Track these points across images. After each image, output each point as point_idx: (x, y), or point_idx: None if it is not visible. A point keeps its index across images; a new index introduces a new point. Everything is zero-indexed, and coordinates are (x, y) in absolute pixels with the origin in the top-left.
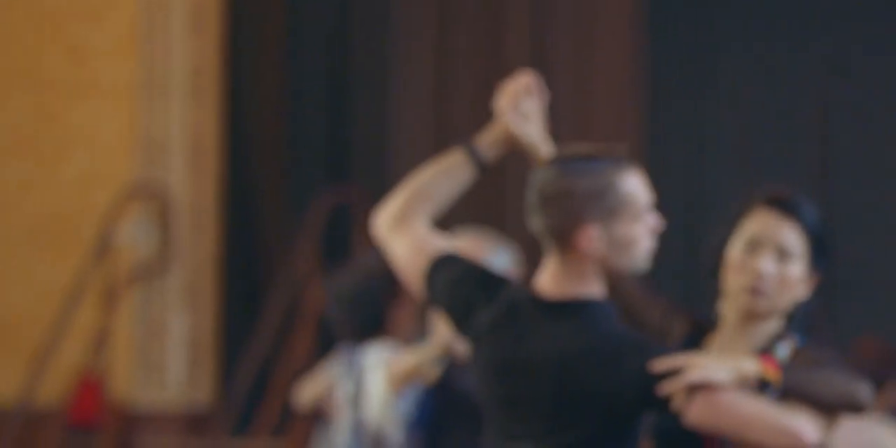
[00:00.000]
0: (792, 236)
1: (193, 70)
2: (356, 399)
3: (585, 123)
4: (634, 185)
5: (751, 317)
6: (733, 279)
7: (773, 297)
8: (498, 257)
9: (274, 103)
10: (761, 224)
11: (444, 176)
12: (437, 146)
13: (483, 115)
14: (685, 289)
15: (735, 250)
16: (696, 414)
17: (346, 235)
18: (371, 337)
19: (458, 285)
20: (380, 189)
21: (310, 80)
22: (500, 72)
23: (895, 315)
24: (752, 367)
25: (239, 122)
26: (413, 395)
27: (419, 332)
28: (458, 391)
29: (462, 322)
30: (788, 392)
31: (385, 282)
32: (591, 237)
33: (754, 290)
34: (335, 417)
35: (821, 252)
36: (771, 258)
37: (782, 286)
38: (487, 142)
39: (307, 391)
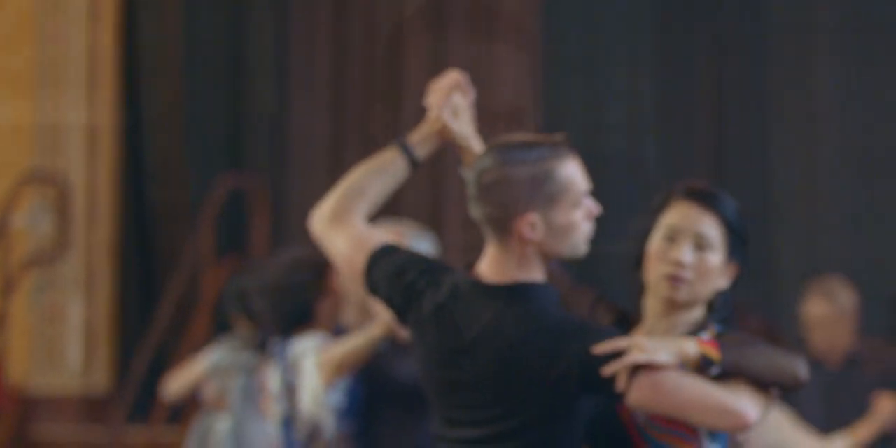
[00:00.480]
0: (710, 226)
1: (90, 56)
2: (286, 391)
3: (482, 106)
4: (572, 172)
5: (673, 306)
6: (654, 269)
7: (692, 285)
8: (419, 245)
9: (171, 90)
10: (680, 215)
11: (377, 173)
12: (333, 132)
13: (378, 99)
14: None
15: (655, 241)
16: (637, 395)
17: (242, 222)
18: (297, 329)
19: (400, 275)
20: (277, 176)
21: (208, 66)
22: (396, 56)
23: (781, 297)
24: (692, 347)
25: (136, 108)
26: (344, 384)
27: (346, 324)
28: (389, 379)
29: (405, 310)
30: (729, 370)
31: (310, 274)
32: (531, 224)
33: (674, 279)
34: (212, 408)
35: (738, 242)
36: (690, 248)
37: (701, 275)
38: (419, 138)
39: (177, 381)
